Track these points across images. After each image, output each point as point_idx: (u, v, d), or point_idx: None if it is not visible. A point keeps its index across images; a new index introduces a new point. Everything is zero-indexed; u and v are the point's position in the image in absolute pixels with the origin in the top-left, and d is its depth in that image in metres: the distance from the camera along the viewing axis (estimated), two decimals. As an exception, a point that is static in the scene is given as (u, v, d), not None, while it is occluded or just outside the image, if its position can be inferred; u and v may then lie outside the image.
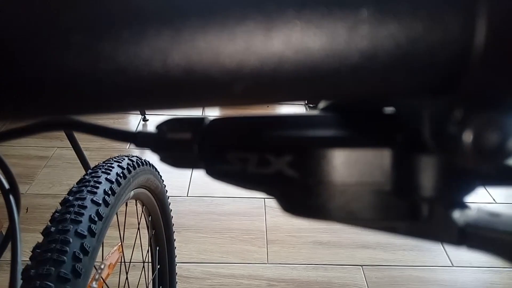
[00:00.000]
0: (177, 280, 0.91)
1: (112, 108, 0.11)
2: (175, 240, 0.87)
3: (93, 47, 0.09)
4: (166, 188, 0.78)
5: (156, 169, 0.71)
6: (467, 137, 0.10)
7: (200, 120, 0.16)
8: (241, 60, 0.10)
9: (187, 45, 0.10)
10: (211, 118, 0.16)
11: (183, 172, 1.52)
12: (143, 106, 0.12)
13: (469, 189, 0.13)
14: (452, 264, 1.21)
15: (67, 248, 0.41)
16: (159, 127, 0.16)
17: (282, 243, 1.26)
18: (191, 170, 0.16)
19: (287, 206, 0.15)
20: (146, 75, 0.10)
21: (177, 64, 0.10)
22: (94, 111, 0.11)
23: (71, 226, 0.43)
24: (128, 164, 0.57)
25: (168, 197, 0.80)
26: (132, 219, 0.69)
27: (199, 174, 1.52)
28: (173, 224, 0.86)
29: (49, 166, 1.54)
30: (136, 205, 0.71)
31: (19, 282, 0.29)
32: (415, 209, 0.14)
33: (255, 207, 1.39)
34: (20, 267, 0.29)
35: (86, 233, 0.43)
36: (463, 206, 0.14)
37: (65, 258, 0.40)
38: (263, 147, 0.15)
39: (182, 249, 1.20)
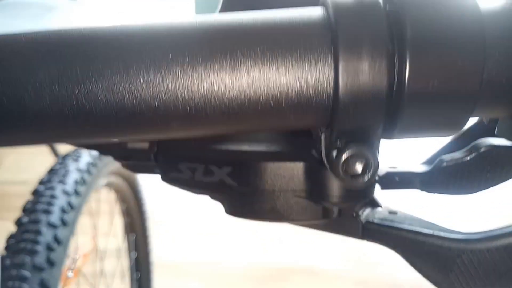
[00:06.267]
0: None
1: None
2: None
3: None
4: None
5: (128, 156, 0.71)
6: (340, 162, 0.12)
7: None
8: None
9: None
10: None
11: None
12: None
13: (366, 196, 0.16)
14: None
15: (40, 239, 0.42)
16: None
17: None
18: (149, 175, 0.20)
19: (230, 209, 0.18)
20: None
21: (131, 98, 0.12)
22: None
23: (43, 217, 0.44)
24: (99, 153, 0.58)
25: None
26: (108, 208, 0.70)
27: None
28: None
29: (16, 153, 1.50)
30: (110, 193, 0.72)
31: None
32: (327, 211, 0.17)
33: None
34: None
35: (58, 223, 0.44)
36: (372, 205, 0.17)
37: (38, 248, 0.41)
38: (207, 159, 0.17)
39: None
